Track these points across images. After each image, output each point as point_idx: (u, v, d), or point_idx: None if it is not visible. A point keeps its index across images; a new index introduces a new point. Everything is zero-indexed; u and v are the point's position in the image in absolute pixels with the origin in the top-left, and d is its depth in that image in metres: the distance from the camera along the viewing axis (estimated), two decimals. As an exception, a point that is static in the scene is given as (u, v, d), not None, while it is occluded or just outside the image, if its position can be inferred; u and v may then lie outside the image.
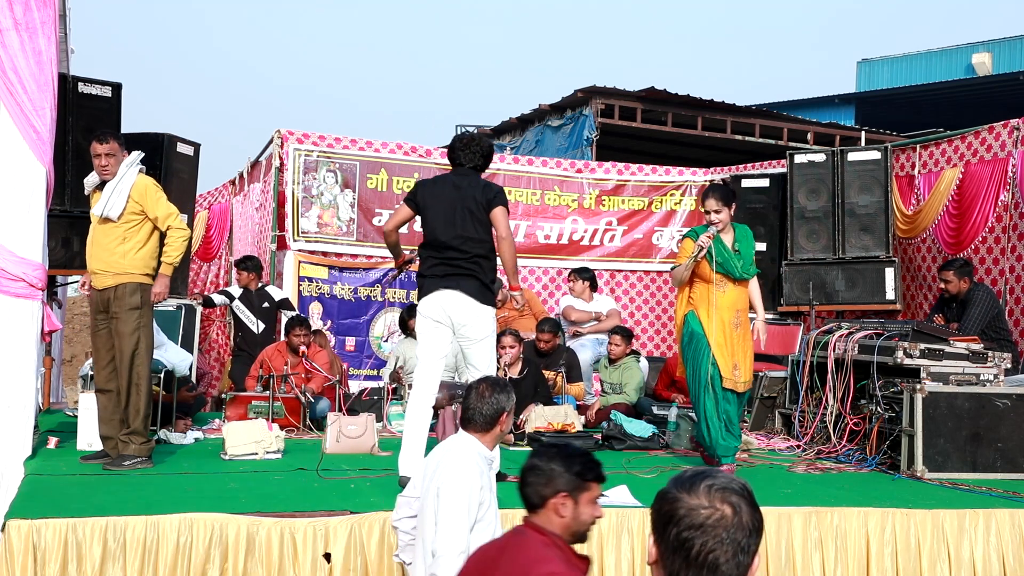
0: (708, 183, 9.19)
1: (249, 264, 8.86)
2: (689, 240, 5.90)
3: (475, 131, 15.47)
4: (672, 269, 6.19)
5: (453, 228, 5.26)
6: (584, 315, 9.02)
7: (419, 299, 5.43)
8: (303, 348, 7.64)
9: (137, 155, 5.66)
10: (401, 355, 7.89)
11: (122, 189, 5.47)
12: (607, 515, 4.49)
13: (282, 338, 8.15)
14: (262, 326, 8.70)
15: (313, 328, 8.23)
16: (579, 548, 2.93)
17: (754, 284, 6.01)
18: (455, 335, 5.35)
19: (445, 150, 10.13)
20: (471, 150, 5.46)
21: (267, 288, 8.83)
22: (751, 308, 6.02)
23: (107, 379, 5.58)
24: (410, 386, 7.67)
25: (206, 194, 12.07)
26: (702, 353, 5.78)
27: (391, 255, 5.81)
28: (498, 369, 7.23)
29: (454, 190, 5.36)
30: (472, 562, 2.93)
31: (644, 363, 8.60)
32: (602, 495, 4.67)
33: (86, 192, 5.71)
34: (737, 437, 5.93)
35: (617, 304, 9.94)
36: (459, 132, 16.43)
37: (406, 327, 8.22)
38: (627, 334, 8.33)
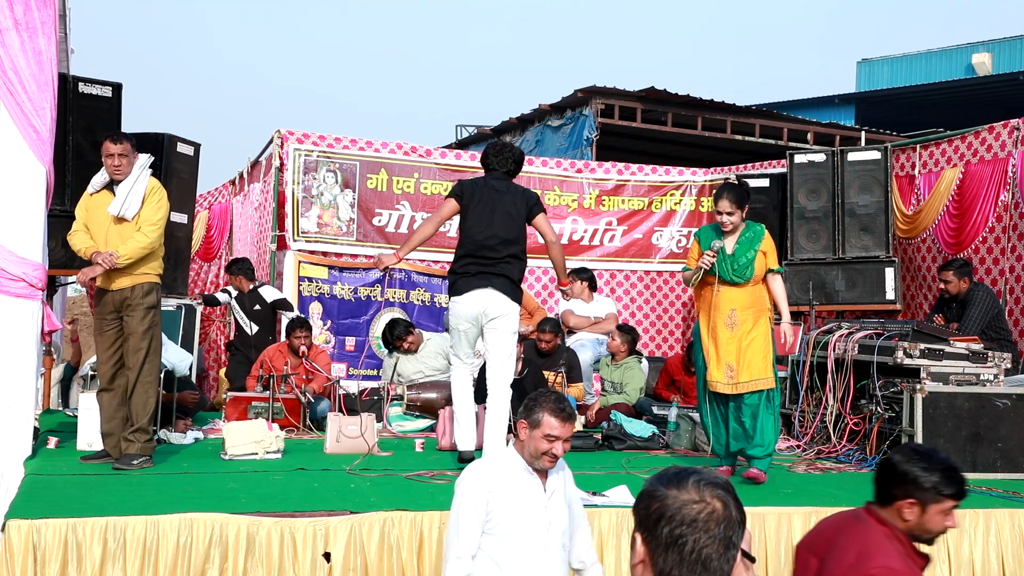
0: (724, 180, 9.16)
1: (235, 268, 8.86)
2: (696, 244, 5.83)
3: (475, 131, 15.52)
4: (683, 271, 6.05)
5: (490, 228, 5.63)
6: (583, 320, 9.04)
7: (451, 297, 5.78)
8: (303, 349, 7.64)
9: (148, 158, 5.70)
10: (396, 367, 7.88)
11: (137, 190, 5.51)
12: (607, 515, 4.49)
13: (282, 339, 8.16)
14: (255, 328, 8.69)
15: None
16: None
17: (777, 284, 5.67)
18: (483, 328, 5.69)
19: (445, 150, 10.26)
20: (503, 156, 5.87)
21: (260, 289, 8.78)
22: (776, 309, 5.70)
23: (111, 378, 5.59)
24: (409, 387, 7.71)
25: (206, 194, 12.08)
26: (698, 354, 5.77)
27: (395, 247, 6.02)
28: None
29: (493, 193, 5.74)
30: (809, 537, 2.92)
31: (645, 364, 8.60)
32: (602, 495, 4.70)
33: (92, 190, 5.67)
34: (741, 440, 5.59)
35: (617, 305, 9.95)
36: (460, 133, 16.54)
37: (390, 344, 8.19)
38: (630, 332, 8.33)
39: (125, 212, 5.48)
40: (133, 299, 5.49)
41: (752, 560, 2.03)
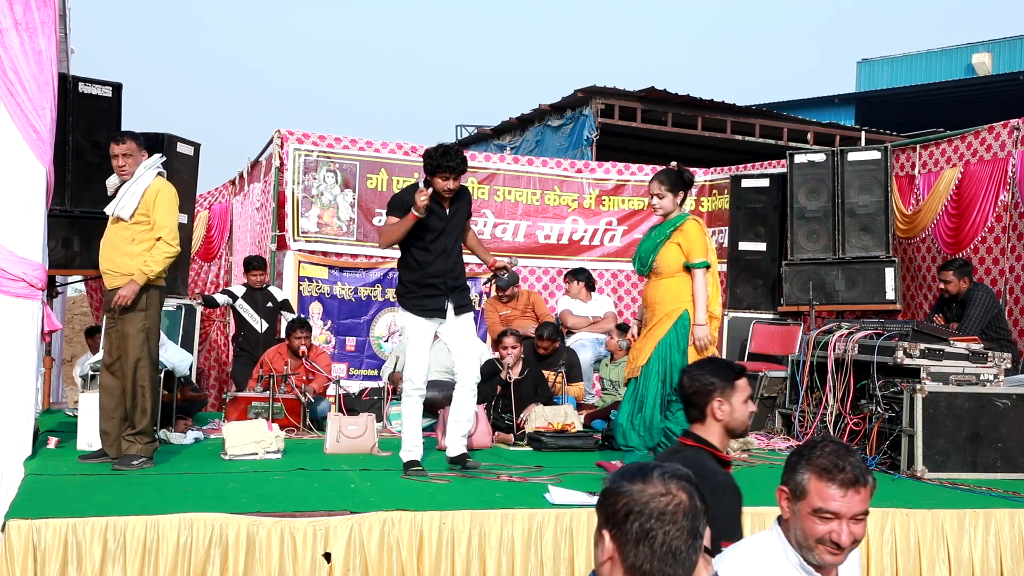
0: (661, 167, 8.84)
1: (260, 263, 8.89)
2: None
3: (475, 131, 15.51)
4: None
5: None
6: (582, 320, 9.04)
7: None
8: (303, 349, 7.64)
9: (157, 158, 5.68)
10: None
11: (136, 191, 5.49)
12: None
13: (283, 339, 8.16)
14: (265, 325, 8.72)
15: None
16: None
17: (695, 281, 5.29)
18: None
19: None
20: None
21: (270, 288, 8.86)
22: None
23: (111, 377, 5.58)
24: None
25: (206, 194, 12.07)
26: None
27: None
28: (500, 370, 7.27)
29: None
30: None
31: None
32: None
33: (108, 192, 5.71)
34: (634, 436, 5.32)
35: (617, 304, 9.95)
36: (460, 132, 16.53)
37: None
38: (627, 331, 8.32)
39: (120, 212, 5.47)
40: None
41: (711, 554, 2.05)
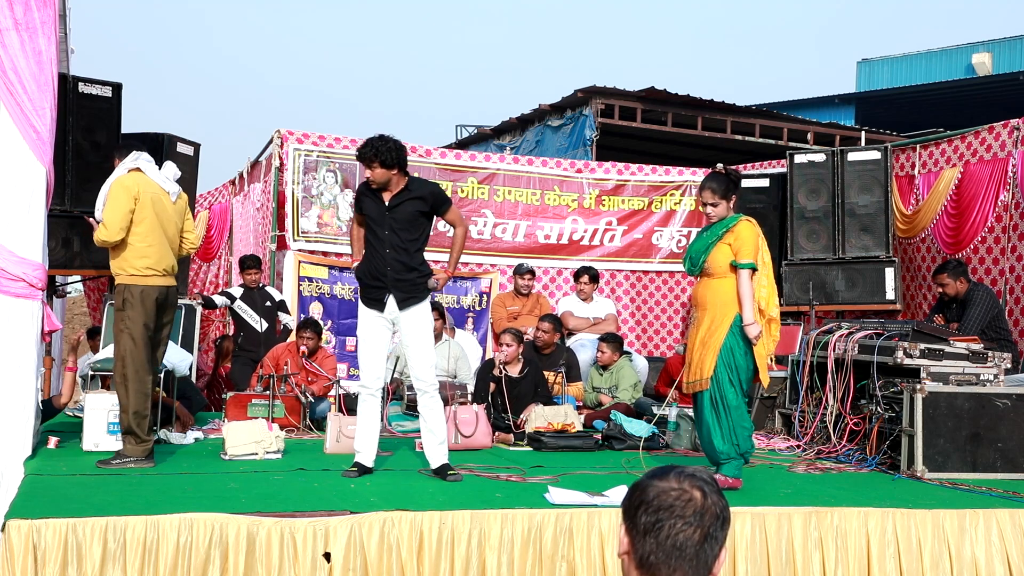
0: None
1: (259, 262, 8.89)
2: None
3: (475, 131, 15.51)
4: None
5: None
6: (583, 322, 9.05)
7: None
8: (303, 349, 7.64)
9: (133, 156, 5.62)
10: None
11: (103, 190, 5.56)
12: (607, 515, 4.49)
13: (290, 338, 8.19)
14: (265, 324, 8.73)
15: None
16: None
17: (740, 281, 5.18)
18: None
19: (445, 150, 10.27)
20: None
21: (267, 288, 8.86)
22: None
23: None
24: (409, 387, 7.70)
25: (206, 194, 12.07)
26: None
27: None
28: (495, 366, 7.28)
29: None
30: None
31: (639, 361, 8.59)
32: (601, 495, 4.69)
33: None
34: (722, 443, 5.25)
35: (616, 305, 9.96)
36: (460, 132, 16.54)
37: None
38: (616, 341, 8.30)
39: (96, 213, 5.58)
40: (112, 298, 5.55)
41: None
